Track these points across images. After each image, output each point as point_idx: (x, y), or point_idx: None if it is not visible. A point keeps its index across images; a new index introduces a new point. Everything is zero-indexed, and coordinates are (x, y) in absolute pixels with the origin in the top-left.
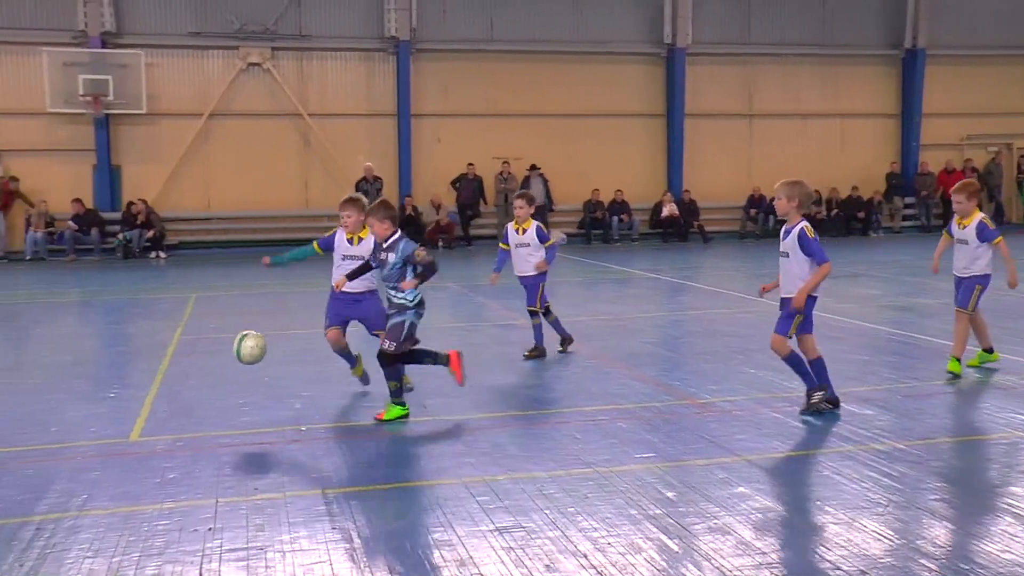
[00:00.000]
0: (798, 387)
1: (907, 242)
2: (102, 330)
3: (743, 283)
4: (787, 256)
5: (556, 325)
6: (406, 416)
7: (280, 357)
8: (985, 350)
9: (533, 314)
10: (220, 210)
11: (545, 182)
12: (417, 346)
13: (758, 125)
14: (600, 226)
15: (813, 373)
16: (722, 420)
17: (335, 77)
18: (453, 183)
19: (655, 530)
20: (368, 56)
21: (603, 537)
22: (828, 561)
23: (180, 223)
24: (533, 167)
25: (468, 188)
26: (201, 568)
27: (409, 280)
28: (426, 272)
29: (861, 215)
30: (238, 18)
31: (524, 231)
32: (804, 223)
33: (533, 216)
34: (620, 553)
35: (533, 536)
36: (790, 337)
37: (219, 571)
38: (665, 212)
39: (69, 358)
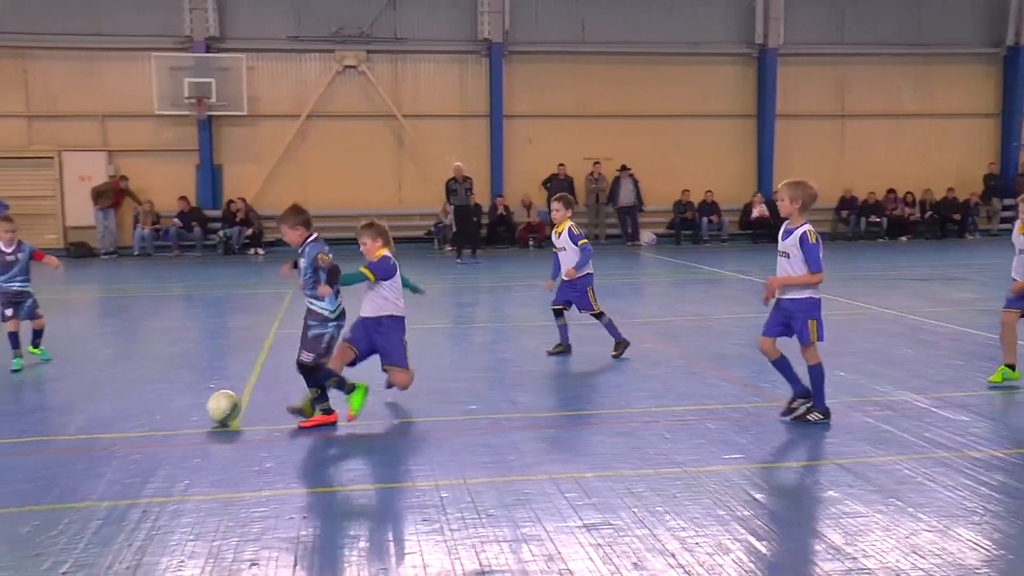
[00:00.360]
0: (891, 391)
1: (1004, 245)
2: (204, 323)
3: (833, 285)
4: (787, 257)
5: (610, 327)
6: (364, 397)
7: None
8: (1008, 365)
9: (558, 314)
10: (316, 208)
11: (635, 183)
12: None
13: (851, 126)
14: (690, 227)
15: (811, 380)
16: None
17: (428, 79)
18: (544, 183)
19: (743, 532)
20: (461, 58)
21: (691, 537)
22: (921, 569)
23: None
24: (623, 167)
25: (559, 188)
26: (296, 555)
27: (323, 287)
28: (331, 276)
29: (957, 217)
30: (335, 22)
31: (559, 234)
32: (807, 226)
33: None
34: (708, 553)
35: (621, 534)
36: (814, 344)
37: (313, 559)
38: (755, 213)
39: (173, 350)
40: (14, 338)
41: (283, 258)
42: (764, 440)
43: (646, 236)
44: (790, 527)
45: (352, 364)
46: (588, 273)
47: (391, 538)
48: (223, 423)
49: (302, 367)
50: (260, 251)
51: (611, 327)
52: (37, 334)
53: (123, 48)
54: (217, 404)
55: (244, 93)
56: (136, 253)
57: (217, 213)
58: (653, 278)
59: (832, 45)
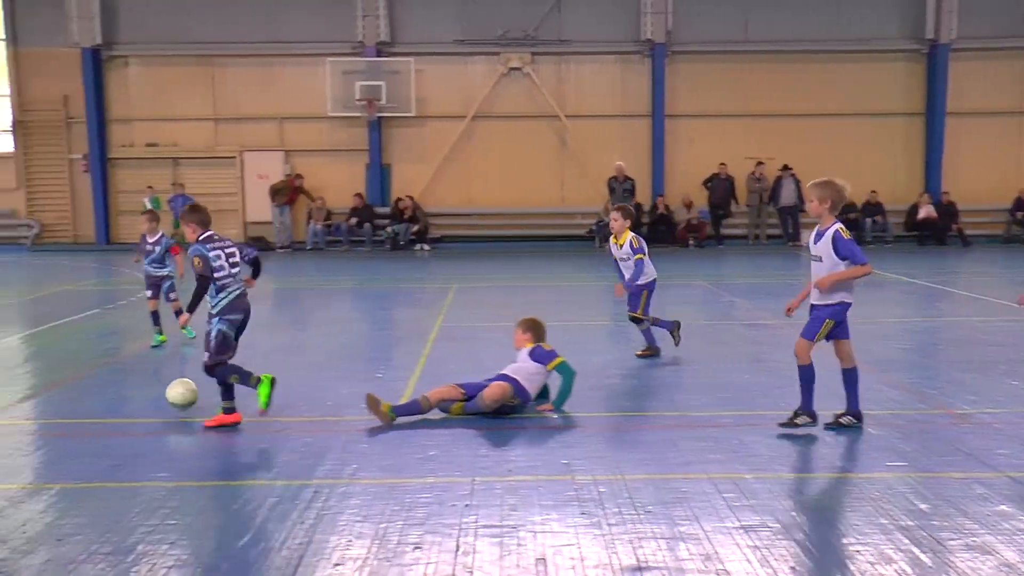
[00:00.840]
0: None
1: None
2: (371, 315)
3: (1006, 290)
4: (820, 260)
5: (647, 332)
6: (271, 388)
7: None
8: None
9: (636, 321)
10: (480, 206)
11: (797, 183)
12: (233, 360)
13: None
14: (853, 227)
15: (844, 383)
16: (981, 433)
17: (591, 80)
18: (705, 183)
19: (907, 542)
20: (624, 59)
21: (851, 544)
22: None
23: (443, 218)
24: (785, 167)
25: (720, 188)
26: (458, 540)
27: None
28: (200, 282)
29: None
30: (501, 26)
31: (620, 245)
32: (838, 225)
33: (632, 228)
34: (869, 562)
35: (779, 537)
36: (815, 343)
37: (474, 545)
38: (922, 214)
39: (343, 339)
40: (155, 316)
41: (450, 254)
42: (929, 448)
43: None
44: (957, 541)
45: (464, 400)
46: (651, 280)
47: (550, 530)
48: (183, 408)
49: (204, 368)
50: (426, 247)
51: (647, 334)
52: (178, 314)
53: (300, 54)
54: (175, 391)
55: (412, 95)
56: (309, 247)
57: (386, 210)
58: None
59: (1011, 38)
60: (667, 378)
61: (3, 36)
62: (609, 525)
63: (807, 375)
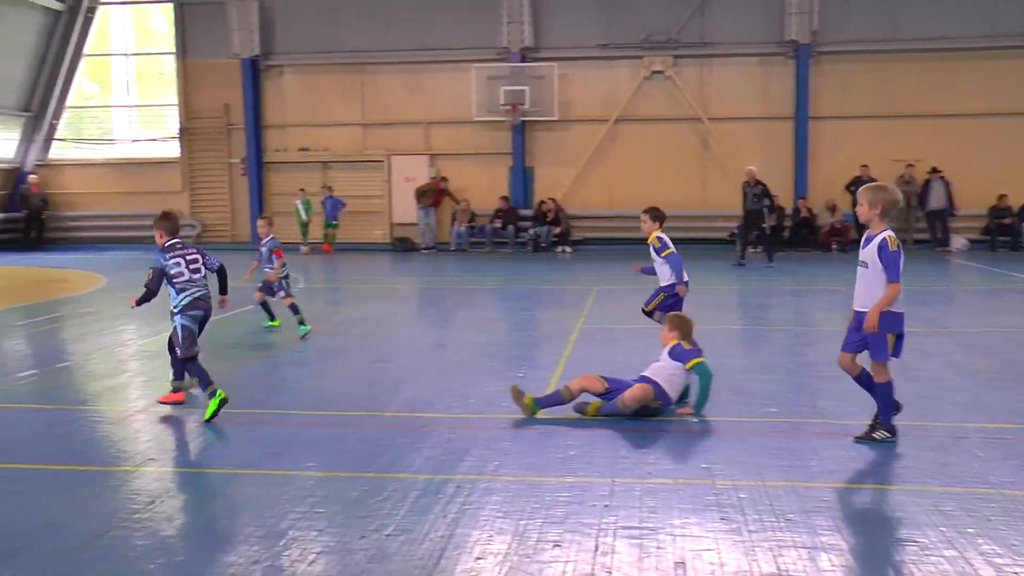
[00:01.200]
0: None
1: None
2: (513, 315)
3: None
4: (865, 267)
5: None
6: (219, 406)
7: None
8: None
9: (648, 315)
10: (622, 208)
11: (947, 185)
12: (199, 360)
13: None
14: (1007, 232)
15: (867, 390)
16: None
17: (733, 82)
18: (847, 186)
19: None
20: (766, 60)
21: (1008, 565)
22: None
23: (585, 220)
24: (934, 169)
25: None
26: (597, 540)
27: (132, 299)
28: (148, 286)
29: None
30: (644, 30)
31: (651, 245)
32: (887, 232)
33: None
34: None
35: (927, 552)
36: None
37: (613, 546)
38: None
39: (485, 338)
40: (294, 308)
41: (591, 256)
42: None
43: (958, 242)
44: None
45: (603, 395)
46: (672, 284)
47: (689, 534)
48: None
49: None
50: (568, 249)
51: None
52: (294, 310)
53: (446, 61)
54: None
55: (555, 99)
56: (453, 248)
57: (528, 212)
58: (964, 286)
59: None
60: (811, 384)
61: (174, 50)
62: (749, 532)
63: (884, 391)
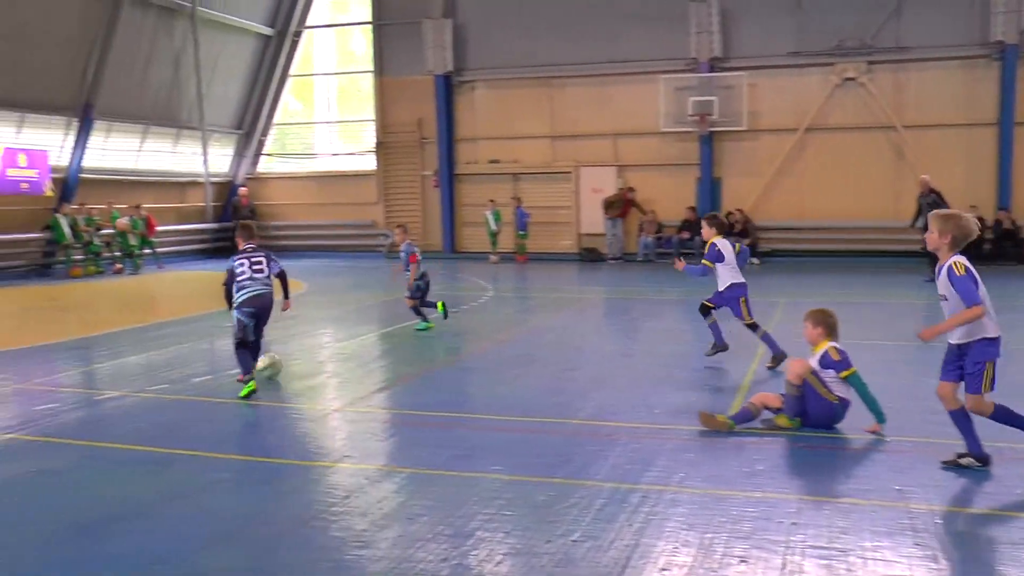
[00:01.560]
0: None
1: None
2: (699, 326)
3: None
4: (945, 300)
5: (765, 338)
6: (250, 392)
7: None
8: None
9: (751, 328)
10: (812, 220)
11: None
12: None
13: None
14: None
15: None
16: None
17: (931, 87)
18: None
19: None
20: (968, 63)
21: None
22: None
23: (773, 231)
24: None
25: None
26: (784, 558)
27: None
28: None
29: None
30: (836, 36)
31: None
32: (953, 259)
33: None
34: None
35: None
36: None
37: (801, 565)
38: None
39: (671, 348)
40: (415, 310)
41: (779, 268)
42: None
43: None
44: None
45: (776, 411)
46: (739, 283)
47: (882, 558)
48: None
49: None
50: (756, 260)
51: (767, 339)
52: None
53: (634, 72)
54: (261, 362)
55: (744, 109)
56: (640, 259)
57: None
58: None
59: None
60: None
61: (372, 68)
62: (947, 560)
63: (1003, 415)
